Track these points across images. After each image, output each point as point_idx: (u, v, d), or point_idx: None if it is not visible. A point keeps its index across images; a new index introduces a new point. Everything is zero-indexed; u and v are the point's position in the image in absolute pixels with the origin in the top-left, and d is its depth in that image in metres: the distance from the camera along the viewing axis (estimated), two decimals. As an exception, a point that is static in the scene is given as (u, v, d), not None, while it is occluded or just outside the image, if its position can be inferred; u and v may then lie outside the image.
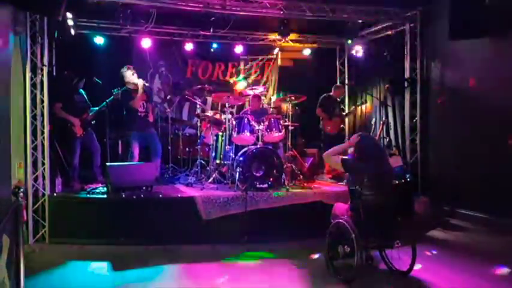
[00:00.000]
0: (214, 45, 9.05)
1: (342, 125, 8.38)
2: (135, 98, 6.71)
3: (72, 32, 7.51)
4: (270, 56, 9.57)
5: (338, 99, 8.26)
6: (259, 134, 6.62)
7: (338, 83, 8.93)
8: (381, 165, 4.44)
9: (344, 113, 8.37)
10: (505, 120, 6.33)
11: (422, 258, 4.54)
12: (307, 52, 9.46)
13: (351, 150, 4.70)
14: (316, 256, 5.21)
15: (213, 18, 7.31)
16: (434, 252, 5.39)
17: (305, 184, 6.77)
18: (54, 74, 7.33)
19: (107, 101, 6.72)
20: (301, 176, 6.91)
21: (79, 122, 6.69)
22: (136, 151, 6.86)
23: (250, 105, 7.36)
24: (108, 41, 8.17)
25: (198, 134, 7.60)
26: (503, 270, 4.69)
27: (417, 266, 4.43)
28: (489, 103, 6.60)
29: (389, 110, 8.79)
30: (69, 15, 6.90)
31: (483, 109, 6.71)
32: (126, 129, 7.01)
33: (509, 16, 6.06)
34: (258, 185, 6.24)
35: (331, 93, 8.14)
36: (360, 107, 8.24)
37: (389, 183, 4.46)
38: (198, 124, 7.62)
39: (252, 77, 9.14)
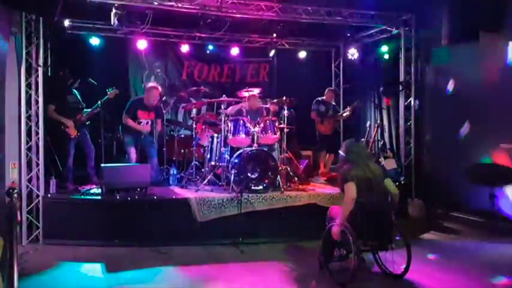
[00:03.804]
0: (210, 47, 9.04)
1: (335, 127, 8.41)
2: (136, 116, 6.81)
3: (67, 35, 7.50)
4: (265, 59, 9.57)
5: (332, 102, 8.30)
6: (255, 136, 6.63)
7: (331, 87, 8.97)
8: (369, 169, 4.46)
9: (339, 114, 8.40)
10: (498, 124, 6.38)
11: (416, 261, 4.55)
12: (302, 55, 9.49)
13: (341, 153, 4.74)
14: (310, 259, 5.21)
15: (209, 20, 7.31)
16: (429, 255, 5.41)
17: (300, 186, 6.78)
18: (50, 74, 7.30)
19: (101, 101, 6.70)
20: (296, 178, 6.92)
21: (72, 123, 6.65)
22: (133, 155, 6.86)
23: (249, 106, 7.35)
24: (104, 42, 8.15)
25: (193, 136, 7.59)
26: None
27: (411, 269, 4.44)
28: (483, 106, 6.66)
29: (384, 113, 8.84)
30: (64, 16, 6.89)
31: (477, 112, 6.76)
32: (123, 132, 7.02)
33: (502, 20, 6.12)
34: (253, 187, 6.24)
35: (324, 97, 8.20)
36: (354, 109, 8.28)
37: (380, 185, 4.48)
38: (193, 125, 7.61)
39: None
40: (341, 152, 4.69)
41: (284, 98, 7.18)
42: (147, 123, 6.95)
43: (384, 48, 8.52)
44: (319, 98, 8.19)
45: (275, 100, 7.57)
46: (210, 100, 7.88)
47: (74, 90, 6.94)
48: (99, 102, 6.71)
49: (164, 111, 8.03)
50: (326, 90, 8.29)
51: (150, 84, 7.23)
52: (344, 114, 8.39)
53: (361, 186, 4.34)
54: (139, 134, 6.95)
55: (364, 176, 4.37)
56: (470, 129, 6.90)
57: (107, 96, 6.73)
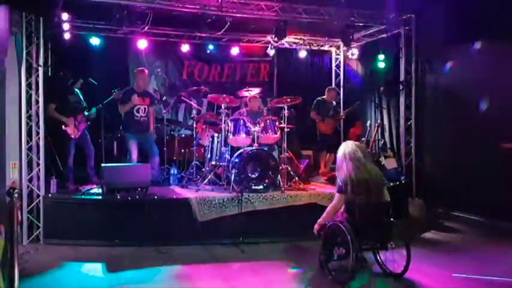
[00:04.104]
0: (211, 47, 9.04)
1: (336, 126, 8.40)
2: (131, 100, 6.73)
3: (68, 35, 7.50)
4: (266, 58, 9.58)
5: (332, 102, 8.29)
6: (255, 135, 6.63)
7: (332, 86, 8.94)
8: (366, 169, 4.45)
9: (339, 114, 8.39)
10: (498, 124, 6.38)
11: (417, 261, 4.55)
12: (303, 54, 9.48)
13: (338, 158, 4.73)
14: (311, 258, 5.21)
15: (209, 19, 7.31)
16: (429, 254, 5.41)
17: (300, 186, 6.78)
18: (50, 74, 7.31)
19: (104, 102, 6.72)
20: (296, 178, 6.91)
21: (73, 123, 6.67)
22: (134, 155, 6.85)
23: (249, 107, 7.36)
24: (104, 41, 8.15)
25: (194, 135, 7.60)
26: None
27: (411, 268, 4.44)
28: (483, 106, 6.66)
29: (385, 112, 8.84)
30: (64, 16, 6.90)
31: (477, 112, 6.76)
32: (124, 131, 7.02)
33: (503, 20, 6.12)
34: (253, 187, 6.24)
35: (325, 96, 8.18)
36: (354, 109, 8.29)
37: (377, 185, 4.47)
38: (194, 125, 7.62)
39: None
40: (338, 155, 4.66)
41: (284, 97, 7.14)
42: (145, 109, 6.93)
43: (384, 48, 8.51)
44: (320, 98, 8.17)
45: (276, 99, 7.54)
46: (210, 98, 7.88)
47: (76, 90, 6.95)
48: (100, 104, 6.72)
49: (164, 111, 8.05)
50: (327, 90, 8.27)
51: (138, 68, 7.22)
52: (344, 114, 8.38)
53: (360, 187, 4.34)
54: (140, 131, 6.93)
55: (361, 177, 4.37)
56: (471, 128, 6.89)
57: (112, 97, 6.76)
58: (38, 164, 5.87)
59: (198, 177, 7.11)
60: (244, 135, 6.60)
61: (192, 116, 7.92)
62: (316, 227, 4.63)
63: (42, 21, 5.88)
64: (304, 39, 9.24)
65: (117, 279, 4.61)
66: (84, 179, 6.93)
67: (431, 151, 7.76)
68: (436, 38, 7.33)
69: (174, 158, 7.85)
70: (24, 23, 5.69)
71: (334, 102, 8.38)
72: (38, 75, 5.87)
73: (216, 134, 7.19)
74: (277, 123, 6.85)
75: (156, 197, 6.06)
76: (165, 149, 7.53)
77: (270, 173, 6.41)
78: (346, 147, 4.60)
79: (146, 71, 7.14)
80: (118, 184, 5.98)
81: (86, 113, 6.88)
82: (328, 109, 8.12)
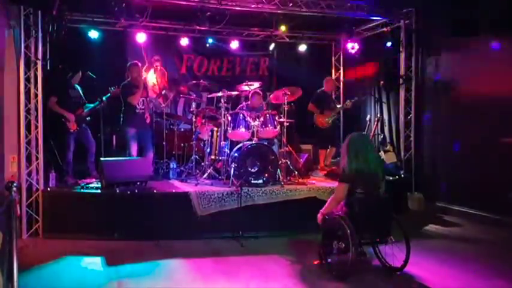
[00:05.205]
0: (210, 41, 9.00)
1: (334, 120, 8.35)
2: (135, 93, 6.69)
3: (66, 28, 7.45)
4: (265, 52, 9.54)
5: (331, 93, 8.22)
6: (255, 129, 6.62)
7: (328, 76, 8.83)
8: (368, 161, 4.44)
9: (339, 106, 8.35)
10: (498, 118, 6.37)
11: (416, 255, 4.56)
12: (302, 48, 9.45)
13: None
14: (310, 252, 5.22)
15: (208, 13, 7.27)
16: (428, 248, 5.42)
17: (300, 180, 6.77)
18: (49, 68, 7.29)
19: (103, 98, 6.69)
20: (296, 172, 6.91)
21: (73, 117, 6.65)
22: (134, 150, 6.82)
23: (251, 103, 7.32)
24: (103, 35, 8.11)
25: (193, 130, 7.58)
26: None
27: (411, 262, 4.45)
28: (483, 101, 6.65)
29: (384, 106, 8.82)
30: (63, 9, 6.85)
31: (477, 106, 6.75)
32: (125, 125, 6.98)
33: (503, 14, 6.10)
34: (252, 181, 6.24)
35: (324, 88, 8.12)
36: (353, 102, 8.25)
37: (378, 178, 4.48)
38: (193, 119, 7.60)
39: None
40: (343, 144, 4.68)
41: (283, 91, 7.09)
42: (142, 101, 6.87)
43: (384, 42, 8.46)
44: (319, 90, 8.11)
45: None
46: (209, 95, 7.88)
47: (76, 86, 6.93)
48: (99, 100, 6.69)
49: (163, 105, 8.02)
50: (325, 80, 8.15)
51: (131, 62, 7.11)
52: (344, 106, 8.31)
53: (360, 178, 4.35)
54: (140, 125, 6.89)
55: (363, 169, 4.37)
56: (471, 122, 6.88)
57: (109, 94, 6.73)
58: (37, 158, 5.86)
59: (198, 171, 7.10)
60: (243, 129, 6.59)
61: (192, 110, 7.90)
62: (319, 216, 4.61)
63: (40, 14, 5.85)
64: (303, 33, 9.20)
65: (117, 272, 4.61)
66: (84, 172, 6.92)
67: (430, 146, 7.76)
68: (437, 32, 7.30)
69: (174, 152, 7.82)
70: (22, 16, 5.65)
71: (332, 93, 8.31)
72: (36, 69, 5.85)
73: (215, 128, 7.18)
74: (276, 118, 6.83)
75: (155, 191, 6.05)
76: (164, 143, 7.51)
77: (269, 167, 6.40)
78: (352, 136, 4.61)
79: (140, 64, 7.08)
80: (117, 178, 5.97)
81: (86, 109, 6.85)
82: (328, 101, 8.06)
